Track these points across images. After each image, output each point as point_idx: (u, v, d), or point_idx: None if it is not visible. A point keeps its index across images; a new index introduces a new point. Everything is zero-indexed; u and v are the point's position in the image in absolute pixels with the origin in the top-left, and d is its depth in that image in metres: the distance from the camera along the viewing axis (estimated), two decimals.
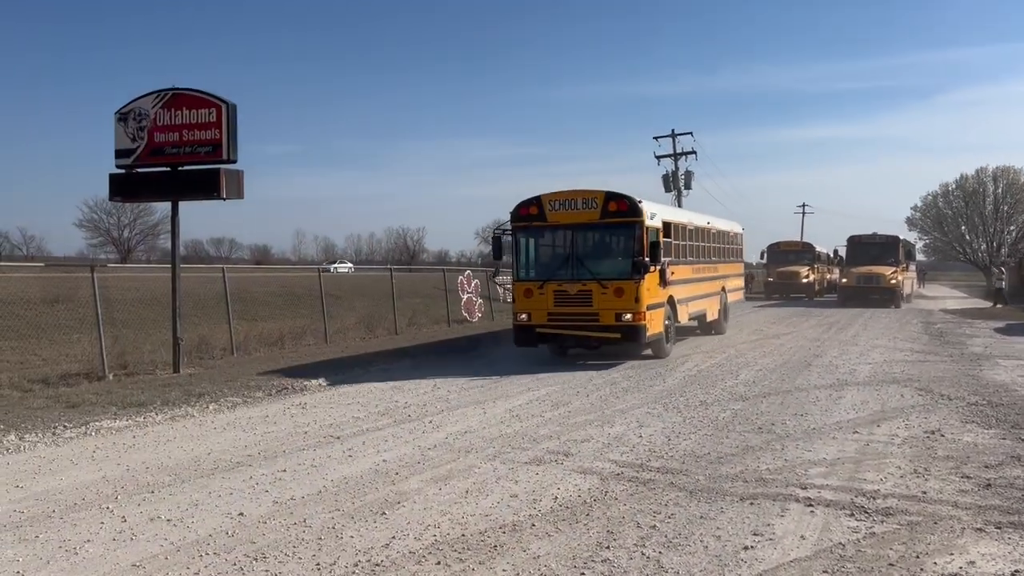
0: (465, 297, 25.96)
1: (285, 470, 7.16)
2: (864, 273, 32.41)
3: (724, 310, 20.30)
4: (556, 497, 6.18)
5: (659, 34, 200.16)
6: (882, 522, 5.50)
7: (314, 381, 12.66)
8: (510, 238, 14.95)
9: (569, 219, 14.23)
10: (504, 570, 4.77)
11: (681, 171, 41.64)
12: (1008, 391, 10.90)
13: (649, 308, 13.92)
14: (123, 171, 13.64)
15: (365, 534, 5.41)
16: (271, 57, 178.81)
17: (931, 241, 69.14)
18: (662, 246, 14.52)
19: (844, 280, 33.72)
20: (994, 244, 62.54)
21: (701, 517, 5.66)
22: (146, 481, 6.88)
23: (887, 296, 31.84)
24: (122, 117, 13.49)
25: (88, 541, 5.36)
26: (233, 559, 4.99)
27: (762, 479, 6.61)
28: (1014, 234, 62.81)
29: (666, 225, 15.45)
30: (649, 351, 14.99)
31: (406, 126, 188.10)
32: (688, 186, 41.46)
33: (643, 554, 4.96)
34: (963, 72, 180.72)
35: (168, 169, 13.40)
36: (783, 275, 39.77)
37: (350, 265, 67.89)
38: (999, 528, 5.36)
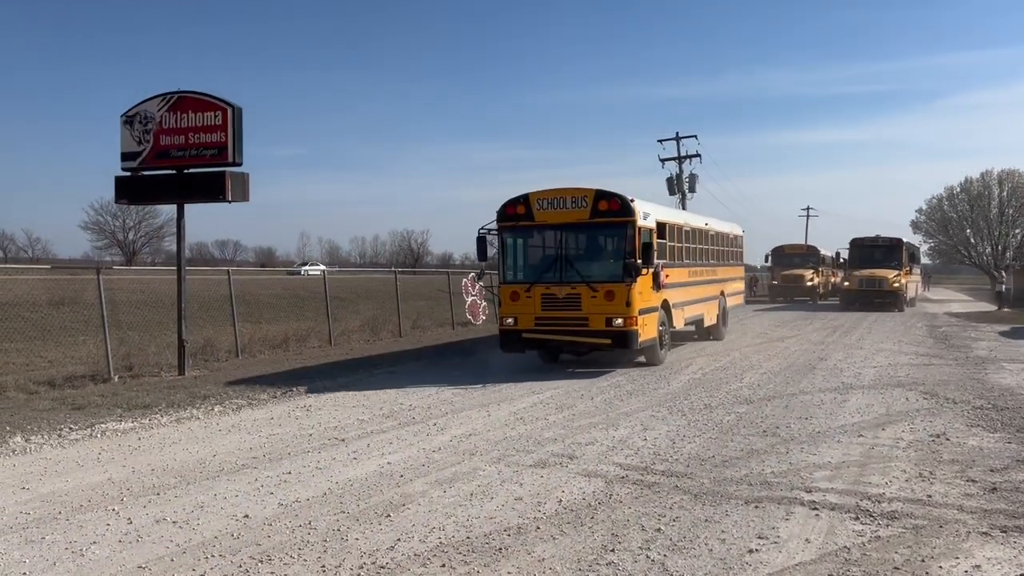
0: (469, 300, 25.95)
1: (290, 472, 7.18)
2: (867, 276, 32.09)
3: (723, 315, 19.73)
4: (561, 500, 6.18)
5: (663, 37, 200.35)
6: (887, 526, 5.49)
7: (318, 383, 12.67)
8: (496, 238, 14.30)
9: (558, 219, 13.58)
10: (509, 573, 4.78)
11: (685, 174, 41.59)
12: (1013, 395, 10.88)
13: (641, 313, 13.34)
14: (129, 174, 13.68)
15: (370, 536, 5.42)
16: (276, 60, 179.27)
17: (936, 244, 68.89)
18: (656, 248, 14.00)
19: (846, 283, 33.42)
20: (999, 247, 62.29)
21: (706, 520, 5.65)
22: (152, 483, 6.90)
23: (890, 299, 31.56)
24: (128, 120, 13.54)
25: (94, 543, 5.38)
26: (239, 561, 5.00)
27: (767, 482, 6.60)
28: (1019, 237, 62.55)
29: (660, 226, 14.82)
30: (642, 358, 14.51)
31: (411, 129, 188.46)
32: (692, 189, 41.43)
33: (648, 557, 4.97)
34: (968, 75, 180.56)
35: (174, 172, 13.44)
36: (788, 278, 39.74)
37: (323, 267, 65.85)
38: (1005, 532, 5.35)
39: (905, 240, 34.81)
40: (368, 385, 12.70)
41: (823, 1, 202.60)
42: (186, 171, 13.36)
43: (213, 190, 13.18)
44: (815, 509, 5.87)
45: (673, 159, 41.79)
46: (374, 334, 20.79)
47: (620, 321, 13.02)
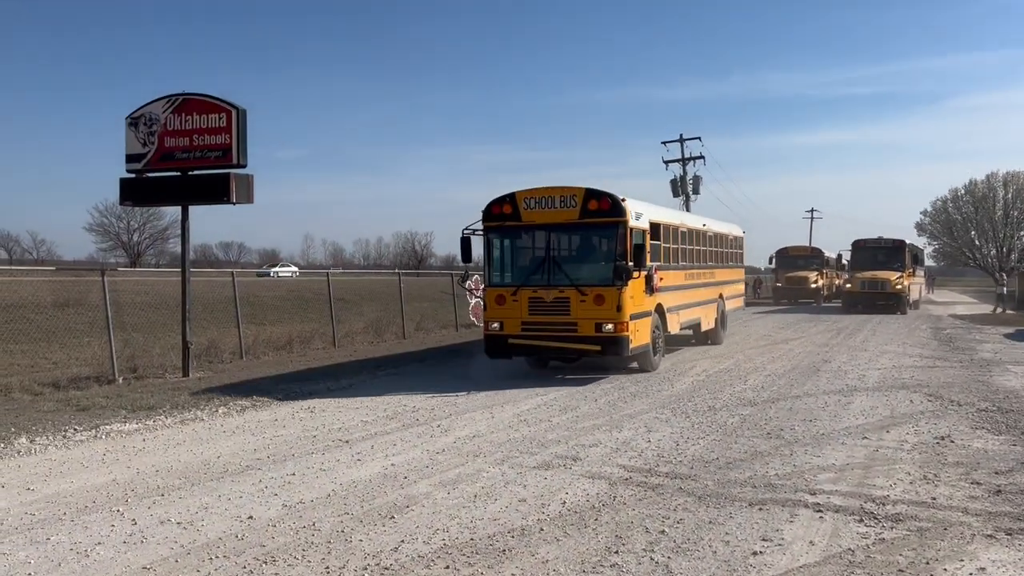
0: (473, 302, 25.92)
1: (294, 473, 7.19)
2: (869, 278, 31.76)
3: (722, 319, 19.19)
4: (564, 502, 6.18)
5: (667, 39, 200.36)
6: (892, 528, 5.48)
7: (323, 385, 12.69)
8: (482, 239, 13.71)
9: (545, 219, 12.98)
10: (513, 574, 4.78)
11: (689, 176, 41.58)
12: (1018, 397, 10.85)
13: (633, 317, 12.78)
14: (134, 176, 13.71)
15: (374, 538, 5.43)
16: (280, 62, 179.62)
17: (940, 246, 68.79)
18: (649, 249, 13.51)
19: (848, 286, 33.10)
20: (1004, 249, 62.17)
21: (710, 522, 5.65)
22: (156, 484, 6.91)
23: (892, 302, 31.21)
24: (133, 122, 13.57)
25: (99, 544, 5.39)
26: (243, 562, 5.01)
27: (771, 484, 6.60)
28: None
29: (654, 226, 14.21)
30: (635, 364, 13.91)
31: (414, 131, 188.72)
32: (696, 191, 41.40)
33: (652, 559, 4.96)
34: (971, 77, 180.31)
35: (178, 174, 13.46)
36: (792, 280, 39.69)
37: (294, 269, 60.89)
38: (1009, 535, 5.34)
39: (908, 242, 34.47)
40: (372, 387, 12.71)
41: (826, 3, 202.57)
42: (190, 173, 13.39)
43: (217, 192, 13.20)
44: (819, 511, 5.86)
45: (677, 161, 41.79)
46: (378, 336, 20.81)
47: (610, 326, 12.47)
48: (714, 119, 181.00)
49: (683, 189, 41.25)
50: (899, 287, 31.21)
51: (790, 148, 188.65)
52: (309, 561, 5.02)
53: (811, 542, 5.23)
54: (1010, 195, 62.07)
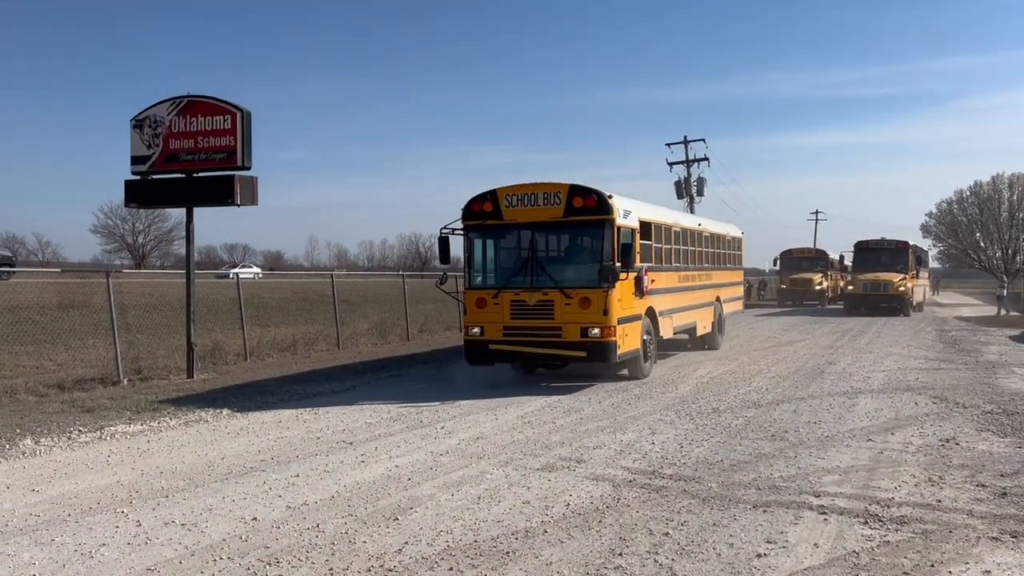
0: None
1: (298, 475, 7.19)
2: (871, 280, 31.42)
3: (719, 322, 18.44)
4: (568, 504, 6.18)
5: (671, 41, 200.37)
6: (896, 531, 5.47)
7: (327, 386, 12.70)
8: (462, 238, 13.05)
9: (528, 217, 12.27)
10: None
11: (693, 178, 41.59)
12: None
13: (621, 322, 12.06)
14: (138, 177, 13.75)
15: (378, 539, 5.43)
16: (284, 64, 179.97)
17: (945, 248, 68.65)
18: (638, 249, 12.88)
19: (850, 287, 32.71)
20: (1009, 251, 62.01)
21: (714, 524, 5.64)
22: (160, 486, 6.92)
23: (895, 304, 30.89)
24: (138, 124, 13.61)
25: (103, 545, 5.40)
26: (247, 564, 5.01)
27: (775, 487, 6.58)
28: None
29: (644, 225, 13.51)
30: (625, 371, 13.30)
31: (418, 133, 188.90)
32: (700, 192, 41.42)
33: (656, 561, 4.95)
34: (977, 78, 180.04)
35: (183, 176, 13.50)
36: (796, 282, 39.62)
37: (256, 270, 58.13)
38: (1015, 537, 5.32)
39: (912, 243, 34.17)
40: (375, 388, 12.71)
41: (829, 4, 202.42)
42: (195, 175, 13.42)
43: (222, 194, 13.23)
44: (824, 514, 5.85)
45: (681, 163, 41.82)
46: (382, 338, 20.82)
47: (596, 331, 11.77)
48: (717, 120, 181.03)
49: (687, 191, 41.27)
50: (902, 289, 30.91)
51: (793, 149, 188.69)
52: (313, 563, 5.02)
53: (816, 544, 5.22)
54: (1015, 197, 61.91)
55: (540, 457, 7.75)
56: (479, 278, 12.86)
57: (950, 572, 4.75)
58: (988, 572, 4.74)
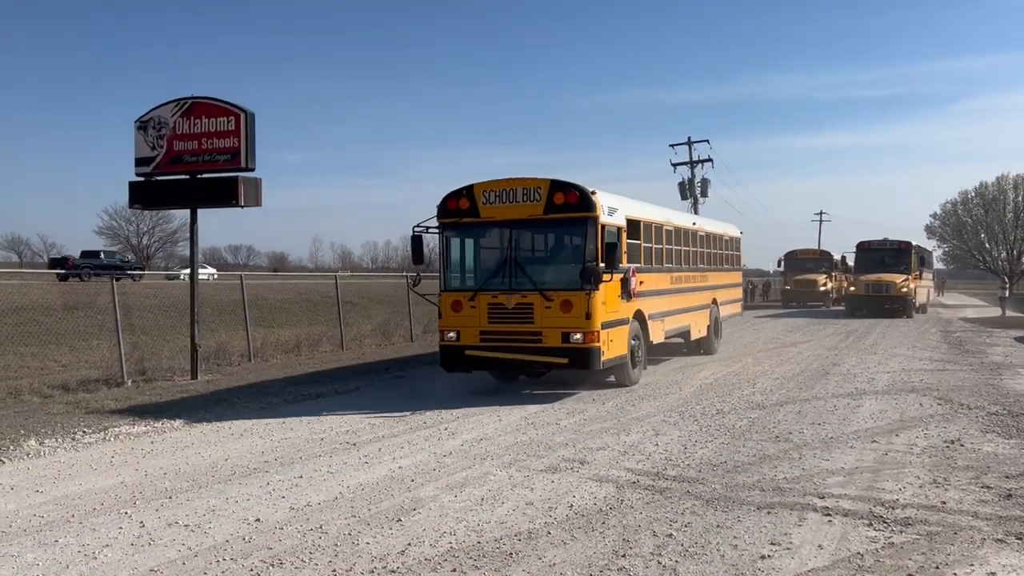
0: None
1: (302, 476, 7.19)
2: (873, 281, 30.94)
3: (715, 326, 17.65)
4: (572, 505, 6.17)
5: (674, 42, 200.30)
6: (901, 532, 5.45)
7: (330, 387, 12.70)
8: (437, 237, 12.35)
9: (507, 214, 11.56)
10: None
11: (697, 179, 41.57)
12: None
13: (606, 326, 11.33)
14: (143, 179, 13.78)
15: (381, 541, 5.42)
16: (288, 66, 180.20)
17: (950, 249, 68.53)
18: (624, 249, 12.13)
19: (852, 288, 32.31)
20: (1014, 252, 61.89)
21: (718, 526, 5.63)
22: (164, 487, 6.93)
23: (898, 305, 30.46)
24: (142, 125, 13.63)
25: (107, 546, 5.40)
26: (250, 565, 5.01)
27: (779, 488, 6.57)
28: None
29: (632, 223, 12.74)
30: (612, 378, 12.53)
31: (422, 134, 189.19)
32: (704, 194, 41.37)
33: (659, 563, 4.94)
34: (981, 79, 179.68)
35: (187, 177, 13.52)
36: (800, 283, 39.52)
37: (212, 271, 55.65)
38: (1020, 539, 5.30)
39: (915, 243, 33.84)
40: (379, 389, 12.71)
41: (832, 6, 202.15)
42: (199, 176, 13.44)
43: (226, 195, 13.25)
44: (828, 515, 5.83)
45: (685, 164, 41.78)
46: (386, 339, 20.84)
47: (579, 336, 11.03)
48: (720, 121, 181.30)
49: (691, 192, 41.23)
50: (905, 290, 30.51)
51: (797, 150, 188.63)
52: (316, 564, 5.02)
53: (820, 546, 5.20)
54: (1020, 198, 61.80)
55: (543, 458, 7.74)
56: (455, 279, 12.20)
57: (955, 574, 4.73)
58: (993, 574, 4.72)
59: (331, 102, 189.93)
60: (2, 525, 5.90)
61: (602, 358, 11.25)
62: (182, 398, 11.54)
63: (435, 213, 12.06)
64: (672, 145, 42.21)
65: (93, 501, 6.50)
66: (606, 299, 11.39)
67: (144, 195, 14.05)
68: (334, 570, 4.91)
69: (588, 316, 11.04)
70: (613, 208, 11.91)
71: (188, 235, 14.37)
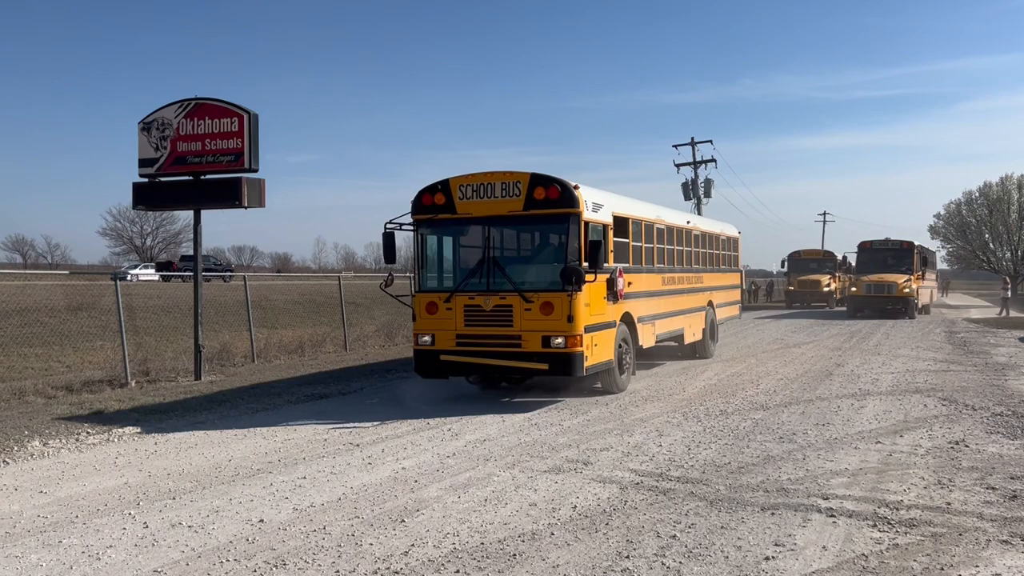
0: None
1: (305, 477, 7.19)
2: (875, 282, 30.69)
3: (711, 329, 17.00)
4: (575, 506, 6.16)
5: (678, 43, 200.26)
6: (905, 533, 5.43)
7: (334, 388, 12.71)
8: (411, 235, 11.69)
9: (485, 210, 10.93)
10: None
11: (700, 179, 41.49)
12: None
13: (590, 329, 10.72)
14: (146, 180, 13.78)
15: (384, 542, 5.42)
16: (291, 67, 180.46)
17: (954, 249, 68.35)
18: (611, 247, 11.57)
19: (853, 289, 32.06)
20: (1019, 252, 61.70)
21: (722, 527, 5.61)
22: (168, 487, 6.94)
23: (900, 306, 30.27)
24: (146, 127, 13.64)
25: (110, 547, 5.41)
26: (253, 566, 5.01)
27: (783, 489, 6.55)
28: None
29: (620, 221, 12.11)
30: (599, 384, 11.90)
31: (426, 135, 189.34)
32: (708, 194, 41.29)
33: (663, 564, 4.93)
34: (985, 79, 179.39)
35: (190, 178, 13.53)
36: (804, 284, 39.48)
37: (152, 271, 53.48)
38: None
39: (917, 243, 33.58)
40: (383, 390, 12.71)
41: (836, 6, 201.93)
42: (203, 177, 13.45)
43: (229, 196, 13.25)
44: (832, 516, 5.82)
45: (688, 164, 41.72)
46: (389, 339, 20.84)
47: (560, 341, 10.42)
48: (724, 123, 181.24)
49: (694, 193, 41.18)
50: (907, 291, 30.28)
51: (801, 151, 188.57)
52: (319, 565, 5.01)
53: (824, 547, 5.19)
54: None
55: (547, 459, 7.73)
56: (430, 280, 11.62)
57: (960, 575, 4.71)
58: (998, 575, 4.71)
59: (333, 103, 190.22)
60: (6, 526, 5.91)
61: (586, 364, 10.64)
62: (185, 399, 11.54)
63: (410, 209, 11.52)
64: (675, 146, 42.22)
65: (97, 502, 6.51)
66: (590, 301, 10.80)
67: (148, 196, 14.04)
68: (337, 571, 4.91)
69: (570, 319, 10.45)
70: (598, 204, 11.34)
71: (192, 236, 14.37)
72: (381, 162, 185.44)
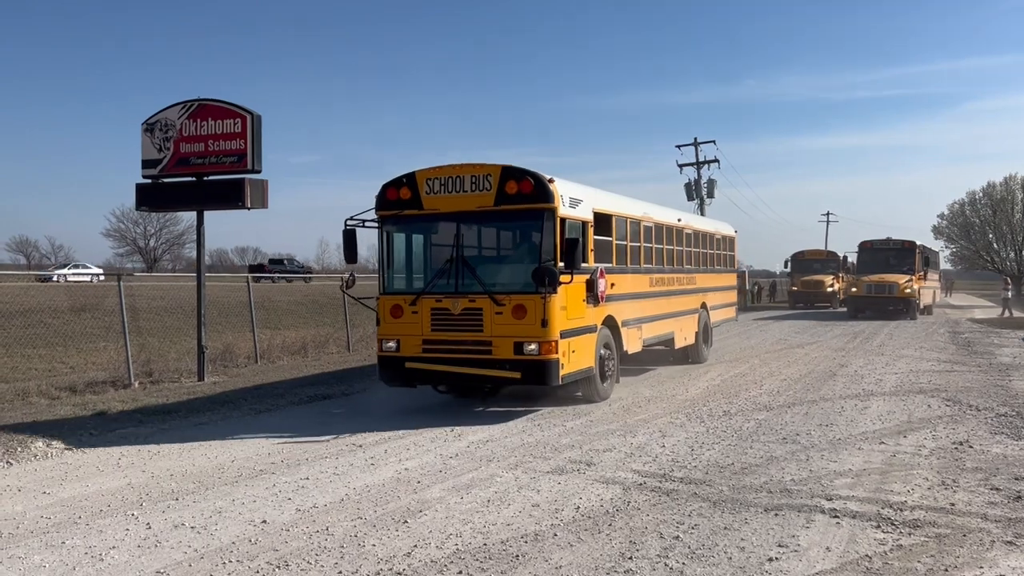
0: None
1: (308, 478, 7.19)
2: (875, 282, 30.36)
3: (704, 332, 16.18)
4: (578, 507, 6.15)
5: (681, 44, 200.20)
6: (909, 534, 5.42)
7: (336, 389, 12.72)
8: (376, 232, 10.98)
9: (453, 206, 10.21)
10: None
11: (704, 179, 41.47)
12: None
13: (567, 335, 9.99)
14: (149, 181, 13.80)
15: (387, 542, 5.42)
16: (293, 68, 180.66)
17: (958, 249, 68.22)
18: (591, 246, 10.83)
19: (854, 289, 31.69)
20: (1023, 253, 61.59)
21: (725, 528, 5.60)
22: (170, 488, 6.94)
23: (901, 307, 29.96)
24: (149, 128, 13.66)
25: (113, 547, 5.41)
26: (256, 567, 5.01)
27: (787, 490, 6.54)
28: None
29: (601, 217, 11.28)
30: (579, 393, 11.12)
31: (428, 136, 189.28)
32: (711, 194, 41.26)
33: (666, 565, 4.92)
34: (990, 80, 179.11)
35: (193, 179, 13.55)
36: (807, 284, 39.40)
37: (97, 271, 48.01)
38: None
39: (919, 243, 33.18)
40: (385, 391, 12.68)
41: (840, 6, 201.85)
42: (206, 178, 13.46)
43: (232, 197, 13.27)
44: (836, 517, 5.80)
45: (691, 164, 41.69)
46: None
47: (533, 347, 9.71)
48: (728, 123, 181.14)
49: (697, 193, 41.15)
50: (908, 291, 29.95)
51: (804, 151, 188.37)
52: (322, 566, 5.01)
53: (828, 548, 5.18)
54: None
55: (550, 460, 7.72)
56: (395, 281, 10.96)
57: None
58: None
59: (336, 104, 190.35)
60: (9, 526, 5.92)
61: (562, 372, 9.90)
62: (189, 400, 11.55)
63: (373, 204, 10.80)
64: (679, 146, 42.17)
65: (100, 503, 6.51)
66: (567, 303, 10.07)
67: (151, 197, 14.07)
68: (340, 572, 4.90)
69: (544, 323, 9.70)
70: (576, 199, 10.56)
71: (195, 237, 14.40)
72: (383, 163, 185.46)
